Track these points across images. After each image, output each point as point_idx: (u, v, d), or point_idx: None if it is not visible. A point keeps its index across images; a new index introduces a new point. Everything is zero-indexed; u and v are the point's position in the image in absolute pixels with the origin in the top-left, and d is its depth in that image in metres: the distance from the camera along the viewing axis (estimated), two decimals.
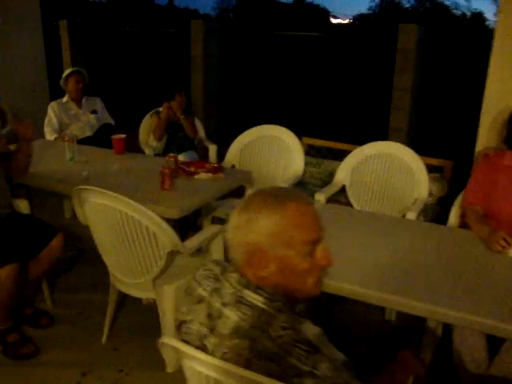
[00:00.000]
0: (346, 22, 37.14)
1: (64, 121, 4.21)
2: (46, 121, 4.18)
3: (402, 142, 5.32)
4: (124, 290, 2.36)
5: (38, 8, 5.14)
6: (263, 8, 31.75)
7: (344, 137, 4.88)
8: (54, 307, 2.82)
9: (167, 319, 2.24)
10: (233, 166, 3.53)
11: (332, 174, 4.08)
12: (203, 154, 4.17)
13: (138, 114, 4.99)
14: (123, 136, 3.27)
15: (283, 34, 6.55)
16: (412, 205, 3.13)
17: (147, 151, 3.96)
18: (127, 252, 2.15)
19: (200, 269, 1.24)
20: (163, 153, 4.09)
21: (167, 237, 2.05)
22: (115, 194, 2.00)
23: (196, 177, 2.75)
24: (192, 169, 2.85)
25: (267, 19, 28.46)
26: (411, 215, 2.80)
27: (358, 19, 34.57)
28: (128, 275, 2.26)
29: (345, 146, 4.07)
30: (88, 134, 4.20)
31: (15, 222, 2.50)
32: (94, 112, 4.34)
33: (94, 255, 3.46)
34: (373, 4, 42.99)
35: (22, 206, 2.67)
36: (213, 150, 4.08)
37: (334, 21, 37.24)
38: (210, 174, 2.78)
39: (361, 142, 4.63)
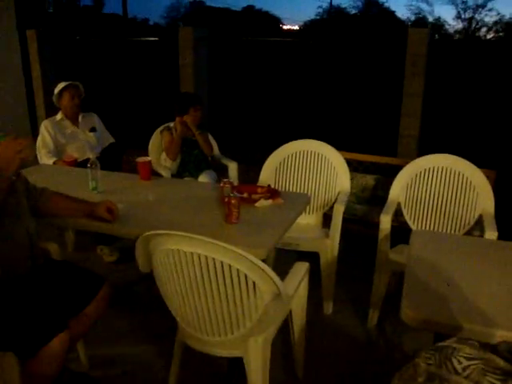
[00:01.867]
0: (297, 28, 37.34)
1: (60, 141, 3.71)
2: (40, 142, 3.67)
3: (413, 150, 5.13)
4: (199, 347, 1.95)
5: (14, 14, 4.59)
6: (214, 15, 31.44)
7: (349, 145, 4.63)
8: (91, 366, 2.36)
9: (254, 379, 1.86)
10: (269, 186, 3.16)
11: (365, 189, 3.81)
12: (221, 173, 3.77)
13: (133, 129, 4.54)
14: (149, 159, 2.83)
15: (265, 40, 6.22)
16: (474, 221, 2.90)
17: (163, 173, 3.52)
18: (212, 306, 1.75)
19: (454, 354, 0.89)
20: (177, 173, 3.68)
21: (270, 285, 1.67)
22: (206, 239, 1.61)
23: (257, 204, 2.37)
24: (245, 195, 2.47)
25: (220, 26, 28.14)
26: (491, 235, 2.54)
27: (309, 25, 34.87)
28: (209, 332, 1.85)
29: (376, 159, 3.79)
30: (89, 155, 3.71)
31: (53, 274, 2.03)
32: (92, 130, 3.86)
33: (122, 295, 3.04)
34: (320, 10, 43.53)
35: (53, 250, 2.21)
36: (233, 168, 3.69)
37: (284, 27, 37.36)
38: (270, 201, 2.42)
39: (378, 152, 4.39)
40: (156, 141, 3.78)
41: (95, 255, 3.50)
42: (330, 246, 2.85)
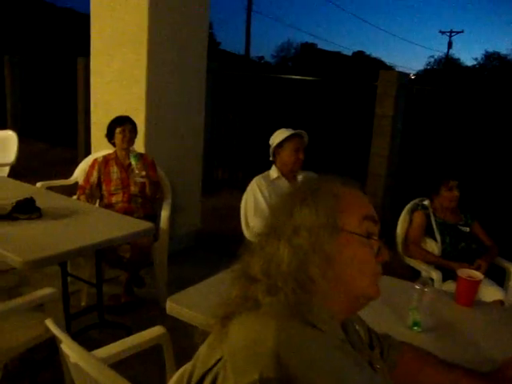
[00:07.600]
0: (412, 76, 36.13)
1: None
2: (252, 206, 2.81)
3: None
4: None
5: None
6: (325, 58, 30.93)
7: None
8: None
9: None
10: None
11: None
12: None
13: None
14: (481, 276, 1.80)
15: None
16: None
17: (424, 273, 2.51)
18: None
19: None
20: None
21: None
22: None
23: None
24: None
25: (329, 69, 27.52)
26: None
27: (423, 75, 33.53)
28: None
29: None
30: None
31: None
32: None
33: None
34: (431, 60, 42.06)
35: None
36: None
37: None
38: None
39: None
40: (405, 222, 2.80)
41: None
42: None
